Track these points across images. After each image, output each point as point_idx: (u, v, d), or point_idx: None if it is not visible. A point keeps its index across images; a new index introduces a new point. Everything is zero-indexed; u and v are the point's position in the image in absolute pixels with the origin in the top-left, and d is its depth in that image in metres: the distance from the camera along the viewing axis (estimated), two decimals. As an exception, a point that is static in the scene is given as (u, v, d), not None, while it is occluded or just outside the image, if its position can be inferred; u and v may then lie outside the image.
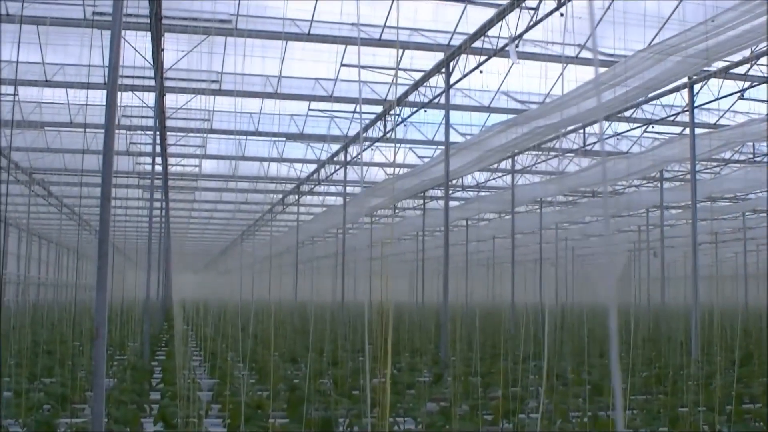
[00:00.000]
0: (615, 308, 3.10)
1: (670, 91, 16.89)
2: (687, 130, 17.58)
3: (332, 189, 31.39)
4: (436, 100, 17.07)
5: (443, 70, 15.55)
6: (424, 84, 16.91)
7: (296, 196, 32.18)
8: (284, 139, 23.12)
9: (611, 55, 14.95)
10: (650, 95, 16.95)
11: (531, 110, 17.85)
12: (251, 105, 20.17)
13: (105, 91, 6.26)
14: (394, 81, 17.86)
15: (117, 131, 6.42)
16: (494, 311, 32.70)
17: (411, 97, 17.67)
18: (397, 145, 23.01)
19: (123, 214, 32.68)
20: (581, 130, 20.43)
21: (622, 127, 20.31)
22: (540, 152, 22.97)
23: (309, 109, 20.51)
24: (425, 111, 18.45)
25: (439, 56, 15.70)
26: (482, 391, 10.53)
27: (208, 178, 29.07)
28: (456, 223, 36.12)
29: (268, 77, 17.89)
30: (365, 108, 19.54)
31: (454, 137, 20.50)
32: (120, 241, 43.13)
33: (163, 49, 14.10)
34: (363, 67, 16.02)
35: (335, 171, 26.10)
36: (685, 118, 17.78)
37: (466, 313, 27.54)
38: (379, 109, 19.61)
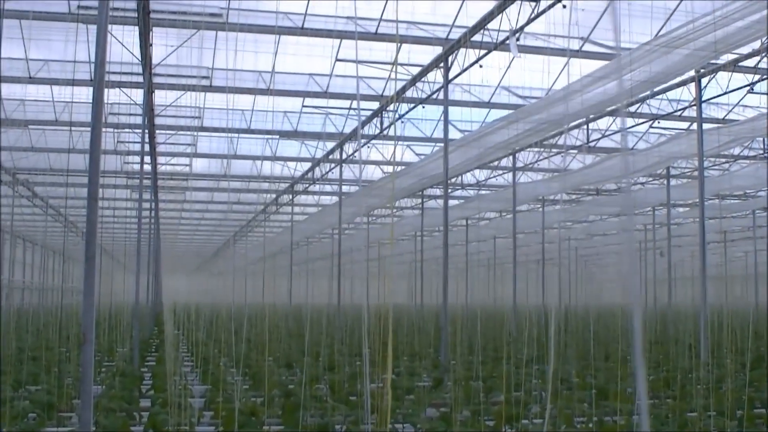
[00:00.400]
0: (639, 309, 3.10)
1: (677, 85, 16.89)
2: (694, 126, 17.58)
3: (327, 188, 31.35)
4: (434, 96, 17.03)
5: (442, 64, 15.52)
6: (422, 79, 16.87)
7: (290, 196, 32.13)
8: (278, 136, 23.07)
9: (615, 48, 14.95)
10: (656, 89, 16.93)
11: (532, 104, 17.83)
12: (243, 102, 20.15)
13: (91, 88, 6.25)
14: (392, 76, 17.84)
15: (104, 129, 6.43)
16: (495, 313, 32.69)
17: (408, 93, 17.63)
18: (395, 142, 22.97)
19: (111, 215, 32.62)
20: (585, 126, 20.40)
21: (627, 122, 20.31)
22: (542, 149, 22.95)
23: (303, 106, 20.50)
24: (423, 107, 18.42)
25: (438, 50, 15.67)
26: (484, 395, 10.53)
27: (198, 177, 29.00)
28: (455, 223, 36.11)
29: (261, 73, 17.86)
30: (361, 104, 19.50)
31: (453, 134, 20.48)
32: (108, 243, 43.05)
33: (151, 44, 14.07)
34: (360, 62, 16.00)
35: (330, 170, 26.07)
36: (692, 113, 17.80)
37: (467, 315, 27.52)
38: (375, 105, 19.57)
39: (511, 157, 23.70)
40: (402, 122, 20.89)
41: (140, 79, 15.35)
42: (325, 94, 18.51)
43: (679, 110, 18.60)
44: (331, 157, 24.82)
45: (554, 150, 23.00)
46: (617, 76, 13.64)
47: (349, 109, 20.84)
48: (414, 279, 40.52)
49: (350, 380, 11.86)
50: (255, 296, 45.14)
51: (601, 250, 51.26)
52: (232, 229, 46.85)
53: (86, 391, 5.62)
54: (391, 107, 19.07)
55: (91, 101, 6.14)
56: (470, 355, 15.59)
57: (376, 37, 15.04)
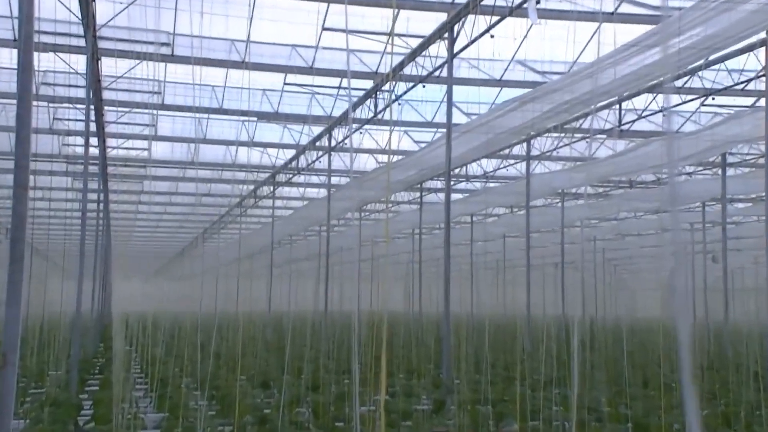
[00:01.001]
0: (687, 323, 2.81)
1: (740, 52, 16.35)
2: (761, 102, 17.14)
3: (314, 179, 31.33)
4: (437, 73, 16.94)
5: (446, 35, 15.40)
6: (423, 53, 16.77)
7: (271, 188, 32.05)
8: (255, 118, 23.06)
9: (662, 9, 14.54)
10: (712, 57, 16.40)
11: (553, 81, 17.65)
12: (213, 76, 19.99)
13: (15, 50, 6.03)
14: (387, 49, 17.73)
15: (35, 103, 6.22)
16: (507, 324, 32.70)
17: (407, 70, 17.56)
18: (391, 127, 22.85)
19: (46, 207, 32.21)
20: (617, 106, 20.03)
21: (672, 99, 19.75)
22: (563, 134, 22.76)
23: (285, 83, 20.44)
24: (424, 86, 18.34)
25: (442, 18, 15.52)
26: (493, 422, 10.48)
27: (159, 164, 28.82)
28: (459, 220, 36.08)
29: (234, 42, 17.69)
30: (352, 83, 19.45)
31: (458, 118, 20.46)
32: (41, 242, 42.47)
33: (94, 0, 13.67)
34: (350, 32, 15.77)
35: (317, 158, 26.01)
36: (759, 85, 17.27)
37: (473, 325, 27.45)
38: (368, 84, 19.52)
39: (525, 144, 23.53)
40: (399, 104, 20.91)
41: (81, 42, 14.91)
42: (311, 70, 18.52)
43: (742, 83, 18.01)
44: (317, 143, 24.79)
45: (578, 135, 22.76)
46: (664, 42, 13.19)
47: (339, 88, 20.90)
48: (411, 283, 40.48)
49: (337, 402, 11.98)
50: (227, 304, 45.02)
51: (634, 252, 51.16)
52: (201, 225, 46.84)
53: (4, 426, 5.42)
54: (387, 87, 19.03)
55: (16, 67, 6.00)
56: (477, 373, 15.63)
57: (370, 1, 14.90)
